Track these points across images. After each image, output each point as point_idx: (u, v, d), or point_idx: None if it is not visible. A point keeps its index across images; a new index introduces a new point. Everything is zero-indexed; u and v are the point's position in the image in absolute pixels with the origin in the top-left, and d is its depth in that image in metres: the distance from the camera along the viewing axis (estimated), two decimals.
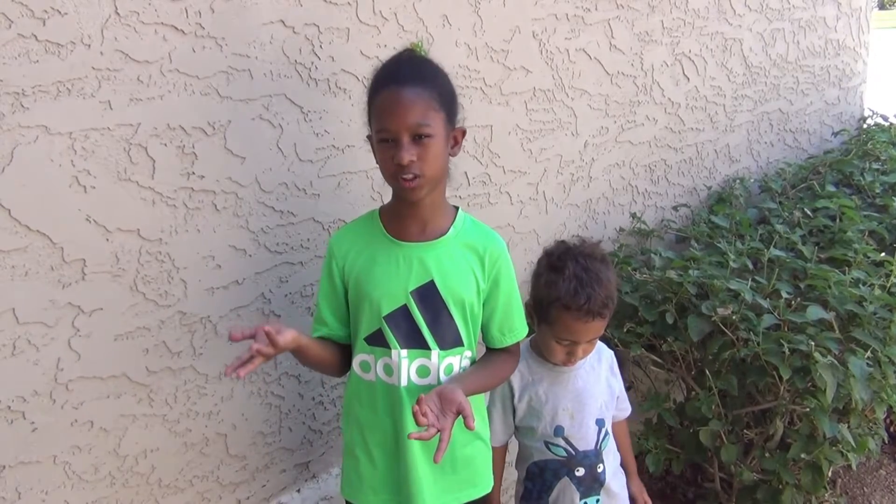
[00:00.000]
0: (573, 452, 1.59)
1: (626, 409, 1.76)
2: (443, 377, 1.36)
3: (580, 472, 1.59)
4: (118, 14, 1.29)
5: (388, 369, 1.36)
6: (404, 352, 1.34)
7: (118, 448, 1.42)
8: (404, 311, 1.34)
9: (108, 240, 1.34)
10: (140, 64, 1.33)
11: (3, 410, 1.27)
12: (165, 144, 1.38)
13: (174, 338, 1.46)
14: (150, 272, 1.40)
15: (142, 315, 1.41)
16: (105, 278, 1.35)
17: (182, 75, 1.38)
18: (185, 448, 1.52)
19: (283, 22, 1.51)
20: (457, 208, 1.42)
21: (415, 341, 1.35)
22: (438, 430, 1.19)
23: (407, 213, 1.36)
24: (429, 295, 1.34)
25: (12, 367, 1.27)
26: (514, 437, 1.67)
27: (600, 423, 1.62)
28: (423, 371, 1.36)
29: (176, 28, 1.36)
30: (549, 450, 1.59)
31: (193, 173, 1.43)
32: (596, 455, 1.61)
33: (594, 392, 1.63)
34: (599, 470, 1.61)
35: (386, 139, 1.26)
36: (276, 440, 1.66)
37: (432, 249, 1.35)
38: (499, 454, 1.61)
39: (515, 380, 1.59)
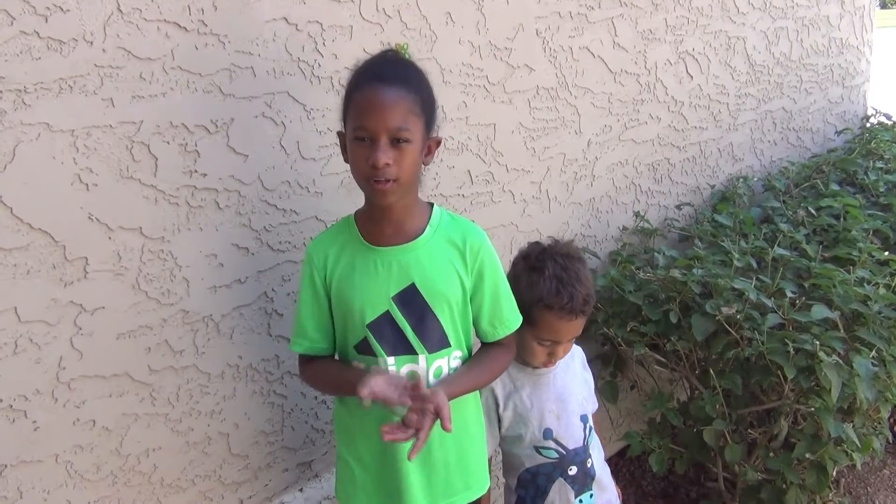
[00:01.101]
0: (564, 452, 1.58)
1: (594, 404, 1.75)
2: (432, 381, 1.33)
3: (573, 470, 1.59)
4: (120, 11, 1.29)
5: None
6: (391, 359, 1.32)
7: (120, 447, 1.41)
8: (387, 317, 1.31)
9: (110, 238, 1.34)
10: (142, 61, 1.32)
11: (5, 409, 1.27)
12: (168, 142, 1.38)
13: (176, 336, 1.45)
14: (152, 270, 1.40)
15: (144, 314, 1.40)
16: (107, 277, 1.34)
17: (185, 73, 1.38)
18: (187, 447, 1.51)
19: (285, 19, 1.50)
20: (431, 205, 1.38)
21: (401, 347, 1.32)
22: (417, 430, 1.18)
23: (381, 217, 1.32)
24: (411, 298, 1.31)
25: (14, 365, 1.26)
26: (499, 447, 1.65)
27: (584, 418, 1.63)
28: (413, 376, 1.31)
29: (178, 25, 1.36)
30: (540, 454, 1.58)
31: (196, 171, 1.42)
32: (585, 451, 1.61)
33: (573, 389, 1.64)
34: (589, 465, 1.62)
35: (362, 138, 1.22)
36: (278, 439, 1.66)
37: (411, 251, 1.32)
38: None
39: (498, 389, 1.59)
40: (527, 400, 1.58)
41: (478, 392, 1.46)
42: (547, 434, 1.57)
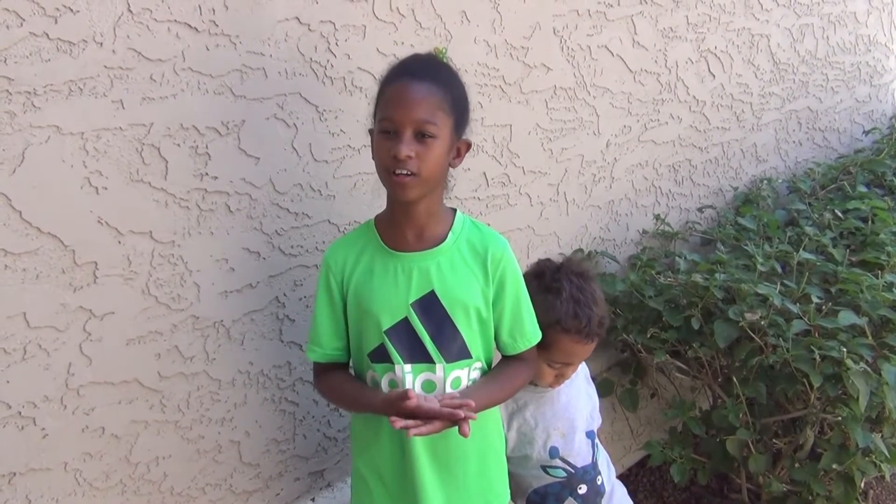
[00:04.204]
0: (573, 471, 1.55)
1: (598, 419, 1.70)
2: (449, 391, 1.29)
3: (583, 489, 1.55)
4: (131, 11, 1.27)
5: (394, 385, 1.30)
6: (408, 367, 1.28)
7: (130, 455, 1.40)
8: (405, 324, 1.28)
9: (120, 242, 1.32)
10: (153, 62, 1.30)
11: (14, 416, 1.25)
12: (178, 144, 1.36)
13: (187, 342, 1.43)
14: (162, 275, 1.38)
15: (154, 319, 1.38)
16: (117, 281, 1.33)
17: (195, 74, 1.36)
18: (197, 455, 1.49)
19: (298, 19, 1.48)
20: (454, 211, 1.36)
21: (419, 355, 1.29)
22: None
23: (403, 221, 1.30)
24: (430, 306, 1.28)
25: (23, 371, 1.25)
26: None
27: (591, 434, 1.60)
28: (429, 386, 1.30)
29: (189, 26, 1.34)
30: (548, 473, 1.54)
31: (207, 174, 1.40)
32: (594, 468, 1.58)
33: (578, 405, 1.60)
34: (599, 482, 1.58)
35: (388, 130, 1.21)
36: (290, 448, 1.63)
37: (431, 258, 1.29)
38: None
39: (501, 409, 1.54)
40: (531, 419, 1.55)
41: (498, 406, 1.42)
42: (553, 452, 1.53)
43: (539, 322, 1.42)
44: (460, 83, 1.30)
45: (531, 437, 1.54)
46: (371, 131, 1.31)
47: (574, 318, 1.44)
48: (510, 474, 1.60)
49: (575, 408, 1.58)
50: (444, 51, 1.35)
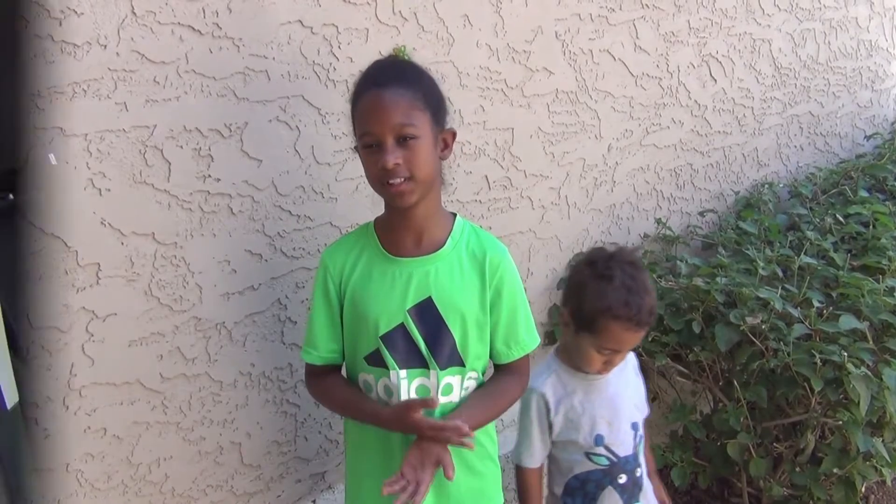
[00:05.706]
0: (615, 460, 1.55)
1: (645, 410, 1.71)
2: (441, 398, 1.29)
3: (623, 479, 1.55)
4: (134, 14, 1.28)
5: (388, 391, 1.29)
6: (403, 372, 1.28)
7: (131, 456, 1.40)
8: (402, 329, 1.27)
9: (122, 243, 1.32)
10: (156, 65, 1.31)
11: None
12: (181, 146, 1.36)
13: (189, 344, 1.44)
14: (164, 276, 1.38)
15: (156, 320, 1.39)
16: (119, 282, 1.33)
17: (199, 76, 1.36)
18: (199, 457, 1.49)
19: (301, 22, 1.48)
20: (454, 215, 1.35)
21: (414, 360, 1.28)
22: (417, 483, 1.16)
23: (401, 225, 1.29)
24: (427, 312, 1.27)
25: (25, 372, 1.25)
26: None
27: (635, 426, 1.59)
28: (423, 391, 1.29)
29: (193, 28, 1.34)
30: (591, 460, 1.55)
31: (209, 176, 1.41)
32: (635, 459, 1.58)
33: (626, 396, 1.60)
34: (638, 474, 1.59)
35: (370, 144, 1.21)
36: (291, 449, 1.64)
37: (430, 264, 1.28)
38: (536, 476, 1.57)
39: (550, 394, 1.55)
40: (578, 406, 1.55)
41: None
42: (598, 440, 1.54)
43: (589, 309, 1.44)
44: (427, 76, 1.29)
45: (577, 423, 1.54)
46: (356, 149, 1.30)
47: (625, 306, 1.44)
48: (552, 458, 1.60)
49: (622, 398, 1.58)
50: (403, 49, 1.33)
